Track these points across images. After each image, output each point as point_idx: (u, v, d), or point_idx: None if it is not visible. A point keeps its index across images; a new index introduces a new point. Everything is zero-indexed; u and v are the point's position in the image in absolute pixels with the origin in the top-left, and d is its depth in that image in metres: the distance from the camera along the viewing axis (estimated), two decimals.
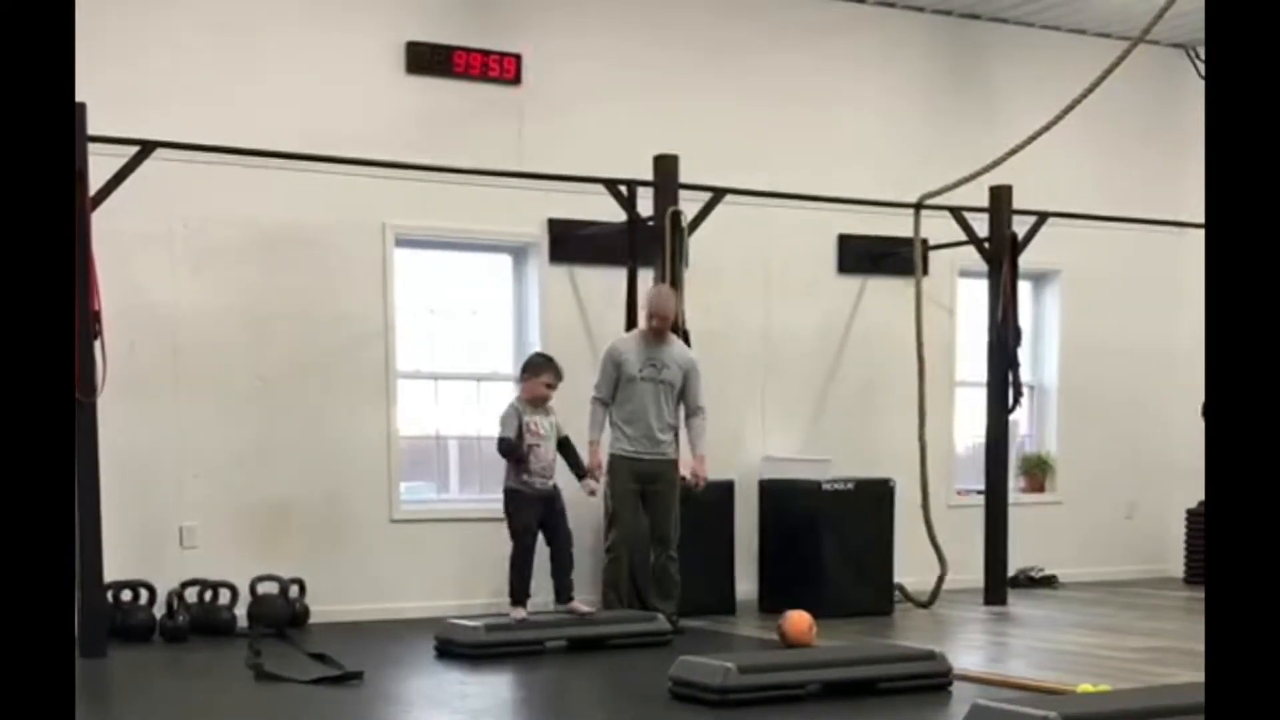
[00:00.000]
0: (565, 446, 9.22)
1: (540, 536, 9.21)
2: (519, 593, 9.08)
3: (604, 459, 9.50)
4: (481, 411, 10.96)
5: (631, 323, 10.27)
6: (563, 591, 9.25)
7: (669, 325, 9.52)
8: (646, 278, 10.28)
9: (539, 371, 9.13)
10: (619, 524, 9.57)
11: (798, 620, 8.80)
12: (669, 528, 9.57)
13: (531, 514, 9.09)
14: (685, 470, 9.61)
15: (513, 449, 8.99)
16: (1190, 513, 12.74)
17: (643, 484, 9.53)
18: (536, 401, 9.09)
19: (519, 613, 9.00)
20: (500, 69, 10.75)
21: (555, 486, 9.18)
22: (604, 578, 9.67)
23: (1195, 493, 12.41)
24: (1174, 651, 8.95)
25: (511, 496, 9.14)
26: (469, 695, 7.45)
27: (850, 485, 10.65)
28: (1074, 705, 6.13)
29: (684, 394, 9.58)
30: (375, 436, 10.36)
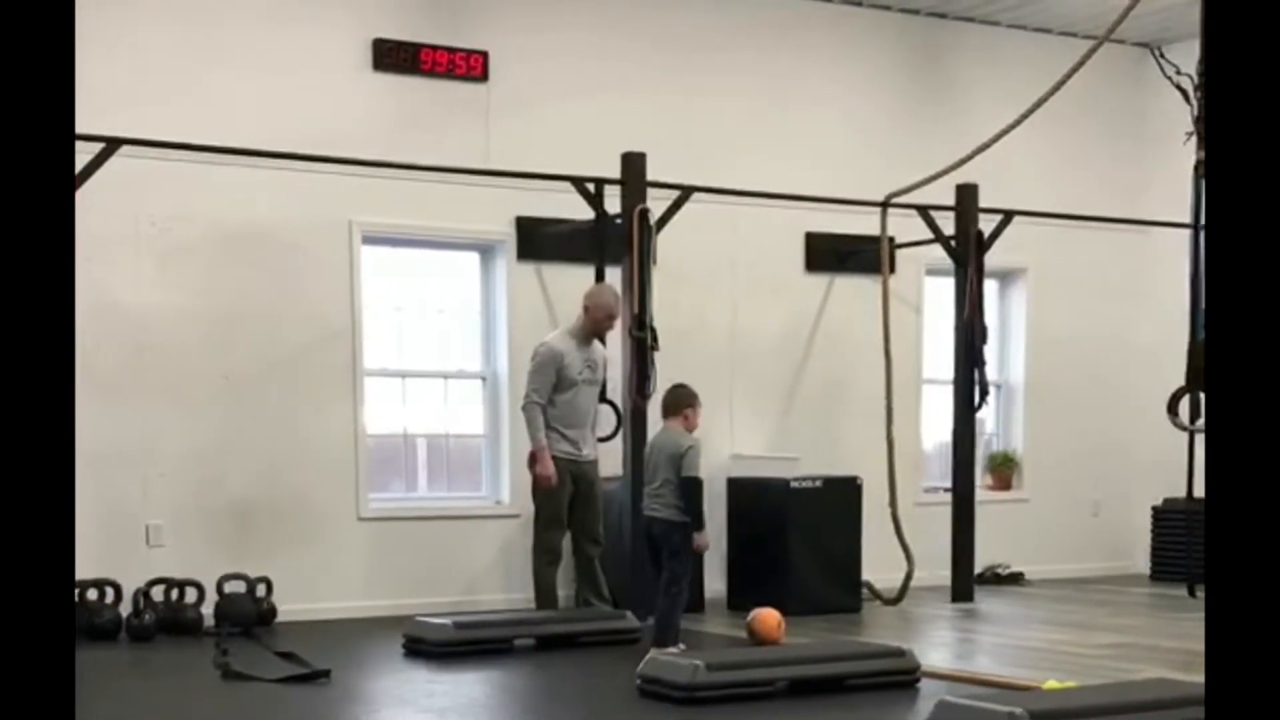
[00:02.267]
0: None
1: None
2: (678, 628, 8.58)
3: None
4: (449, 409, 10.94)
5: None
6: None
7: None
8: (614, 276, 10.27)
9: (692, 402, 8.51)
10: (554, 527, 9.64)
11: (766, 618, 8.80)
12: (599, 525, 9.75)
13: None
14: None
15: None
16: (1155, 509, 12.79)
17: (575, 485, 9.64)
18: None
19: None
20: (467, 66, 10.72)
21: None
22: (543, 579, 9.68)
23: (1161, 489, 12.49)
24: (1139, 648, 9.02)
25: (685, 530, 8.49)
26: (437, 693, 7.43)
27: (818, 483, 10.66)
28: (1041, 701, 6.16)
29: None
30: (342, 435, 10.32)
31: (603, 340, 9.99)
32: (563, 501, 9.63)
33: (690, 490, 8.26)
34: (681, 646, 8.23)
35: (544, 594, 9.68)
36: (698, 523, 8.30)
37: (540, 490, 9.62)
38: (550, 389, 9.54)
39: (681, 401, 8.47)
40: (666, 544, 8.38)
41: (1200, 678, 7.32)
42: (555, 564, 9.70)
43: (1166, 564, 12.54)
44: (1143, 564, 13.00)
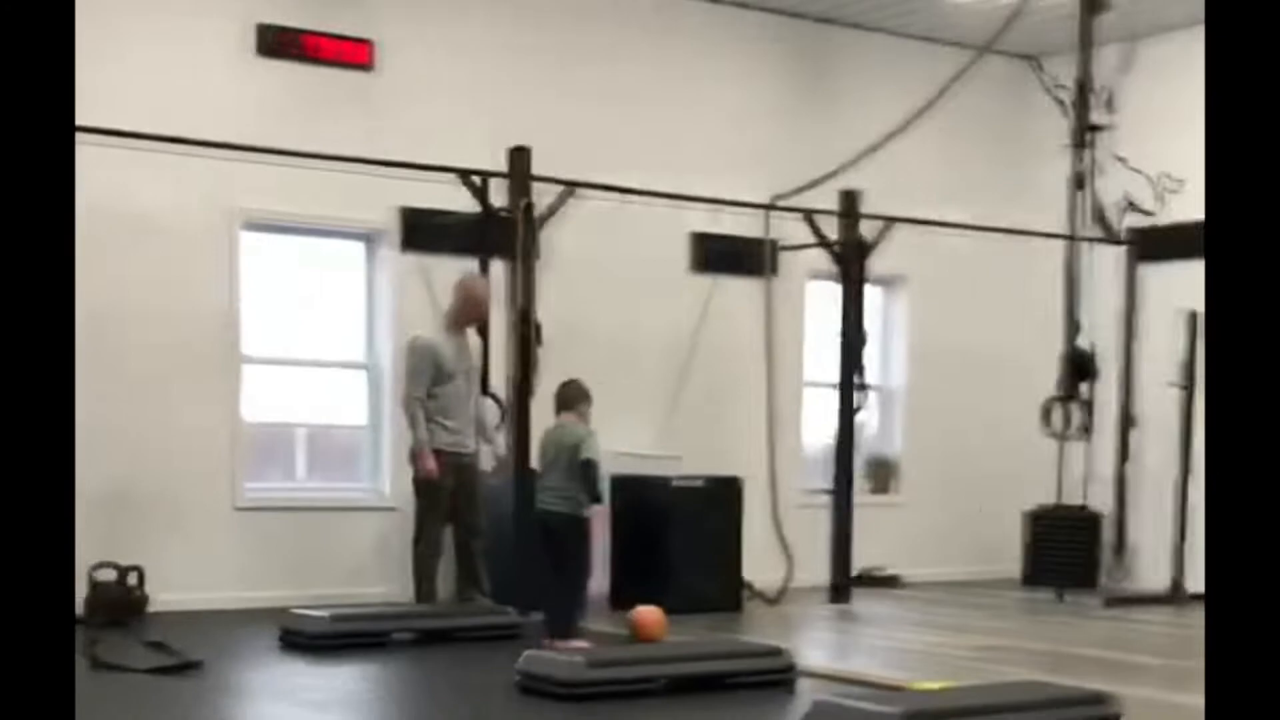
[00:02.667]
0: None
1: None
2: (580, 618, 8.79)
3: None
4: (331, 399, 10.83)
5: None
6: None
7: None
8: (499, 270, 10.22)
9: (587, 397, 8.82)
10: (435, 520, 9.59)
11: (648, 615, 8.79)
12: (480, 517, 9.75)
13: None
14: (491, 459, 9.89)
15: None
16: (1028, 514, 12.96)
17: (457, 478, 9.61)
18: None
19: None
20: (353, 54, 10.64)
21: None
22: (423, 572, 9.63)
23: (1034, 495, 12.65)
24: (1012, 649, 9.14)
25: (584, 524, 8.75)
26: (312, 687, 7.35)
27: (700, 482, 10.68)
28: (914, 701, 6.23)
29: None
30: (220, 423, 10.18)
31: (483, 331, 9.96)
32: (444, 495, 9.57)
33: (590, 472, 8.51)
34: (584, 644, 8.25)
35: (424, 588, 9.61)
36: (594, 499, 8.60)
37: (422, 484, 9.54)
38: (428, 383, 9.48)
39: (577, 396, 8.72)
40: (563, 538, 8.52)
41: (1067, 679, 7.51)
42: (436, 557, 9.64)
43: (1037, 568, 12.71)
44: (1015, 568, 13.16)
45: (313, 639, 8.36)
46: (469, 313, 9.74)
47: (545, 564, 8.72)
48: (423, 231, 10.78)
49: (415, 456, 9.55)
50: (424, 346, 9.56)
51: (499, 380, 10.28)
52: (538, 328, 9.97)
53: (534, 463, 8.86)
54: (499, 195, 10.19)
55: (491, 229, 10.29)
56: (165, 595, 9.72)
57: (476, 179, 10.19)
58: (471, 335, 9.88)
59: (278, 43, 10.37)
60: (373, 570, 10.67)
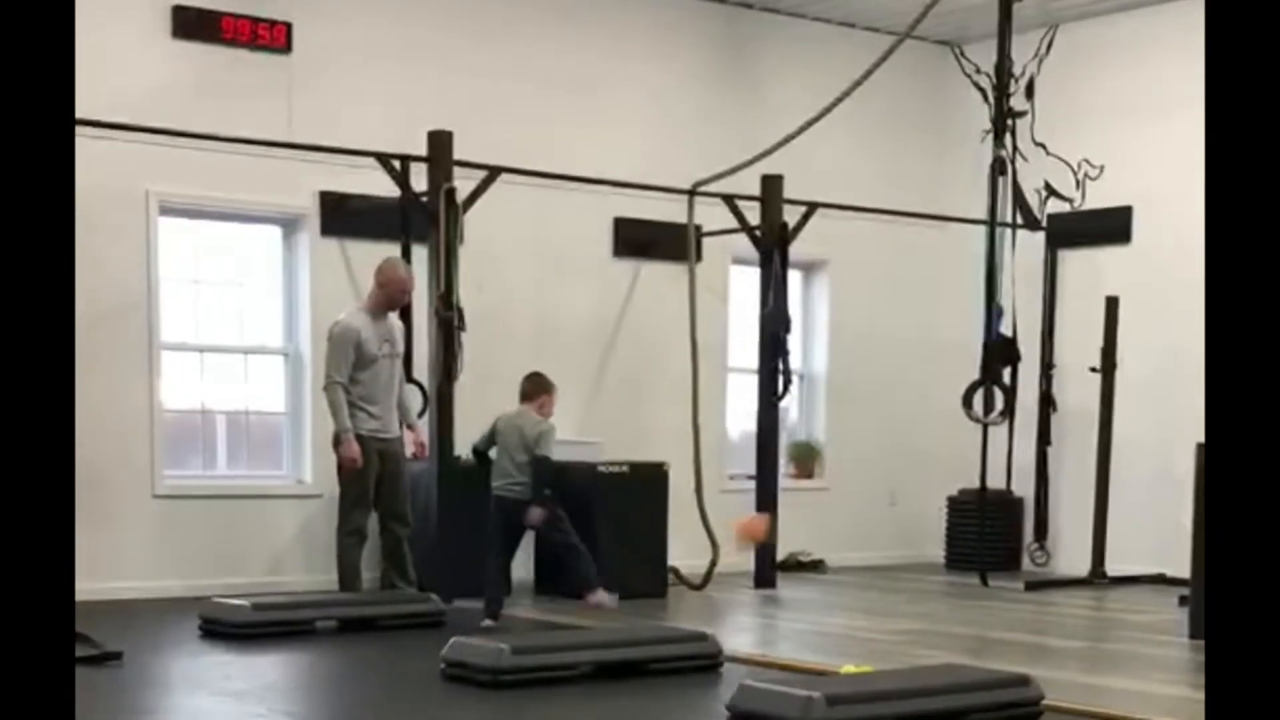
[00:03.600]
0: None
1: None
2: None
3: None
4: (250, 385, 10.71)
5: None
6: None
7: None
8: (420, 254, 10.15)
9: (549, 389, 8.94)
10: (359, 507, 9.51)
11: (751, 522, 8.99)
12: (406, 504, 9.67)
13: None
14: (410, 444, 9.80)
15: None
16: (950, 499, 13.05)
17: (381, 464, 9.52)
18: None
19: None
20: (270, 36, 10.52)
21: None
22: (347, 560, 9.56)
23: (955, 480, 12.74)
24: (934, 634, 9.18)
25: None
26: (233, 676, 7.26)
27: (624, 468, 10.64)
28: (838, 685, 6.24)
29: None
30: (137, 410, 10.03)
31: (405, 316, 9.89)
32: (369, 481, 9.50)
33: (544, 468, 8.60)
34: (612, 596, 8.83)
35: (348, 575, 9.53)
36: (539, 495, 8.64)
37: (345, 470, 9.46)
38: (349, 367, 9.38)
39: (540, 388, 8.87)
40: (524, 523, 8.78)
41: (989, 662, 7.55)
42: (360, 544, 9.57)
43: (960, 552, 12.80)
44: (938, 553, 13.26)
45: (234, 628, 8.28)
46: (390, 296, 9.63)
47: (495, 546, 8.87)
48: (342, 216, 10.70)
49: (338, 443, 9.45)
50: (344, 330, 9.46)
51: (421, 366, 10.20)
52: (460, 313, 9.91)
53: (550, 453, 8.77)
54: (420, 180, 10.11)
55: (412, 213, 10.21)
56: (83, 585, 9.44)
57: (396, 163, 10.11)
58: (395, 319, 9.78)
59: (193, 25, 10.23)
60: (295, 558, 10.58)
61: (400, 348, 9.70)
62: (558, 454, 8.88)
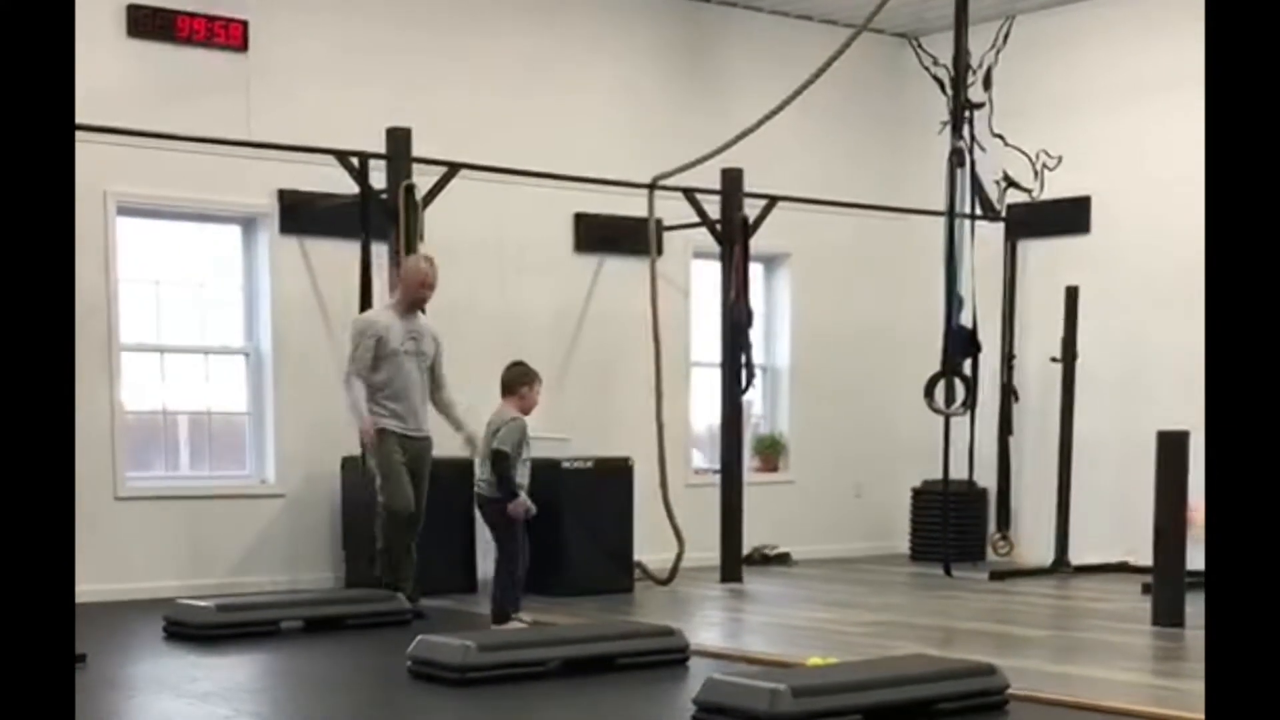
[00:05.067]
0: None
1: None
2: (513, 606, 8.57)
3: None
4: (211, 386, 10.65)
5: (366, 295, 10.05)
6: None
7: (432, 296, 9.25)
8: (380, 251, 10.12)
9: (530, 381, 8.59)
10: (398, 482, 9.04)
11: None
12: (422, 510, 9.27)
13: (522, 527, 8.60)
14: (464, 449, 9.30)
15: (509, 466, 8.41)
16: (915, 491, 13.09)
17: (408, 461, 9.15)
18: (527, 413, 8.58)
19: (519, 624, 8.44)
20: (226, 35, 10.47)
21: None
22: (397, 548, 9.16)
23: (920, 472, 12.78)
24: (898, 625, 9.22)
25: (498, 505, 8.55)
26: (199, 678, 7.23)
27: (589, 464, 10.62)
28: (803, 677, 6.26)
29: (432, 367, 9.31)
30: (98, 411, 9.94)
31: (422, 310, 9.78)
32: (400, 469, 9.07)
33: (495, 462, 8.37)
34: (524, 620, 8.31)
35: (395, 565, 9.14)
36: (505, 492, 8.40)
37: (372, 452, 9.13)
38: (368, 361, 9.05)
39: (516, 380, 8.59)
40: (487, 520, 8.63)
41: (955, 652, 7.58)
42: (411, 527, 9.13)
43: (924, 544, 12.84)
44: (903, 544, 13.29)
45: (199, 629, 8.25)
46: (411, 292, 9.23)
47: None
48: (302, 214, 10.66)
49: (361, 433, 9.17)
50: (364, 323, 9.21)
51: None
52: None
53: (503, 446, 8.62)
54: (379, 177, 10.08)
55: (372, 211, 10.16)
56: None
57: (355, 160, 10.06)
58: (426, 320, 9.37)
59: (148, 24, 10.18)
60: (259, 559, 10.54)
61: (428, 347, 9.26)
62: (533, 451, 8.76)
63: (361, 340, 9.11)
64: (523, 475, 8.54)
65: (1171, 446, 8.75)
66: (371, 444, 9.14)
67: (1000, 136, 11.97)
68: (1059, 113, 12.56)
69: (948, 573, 11.78)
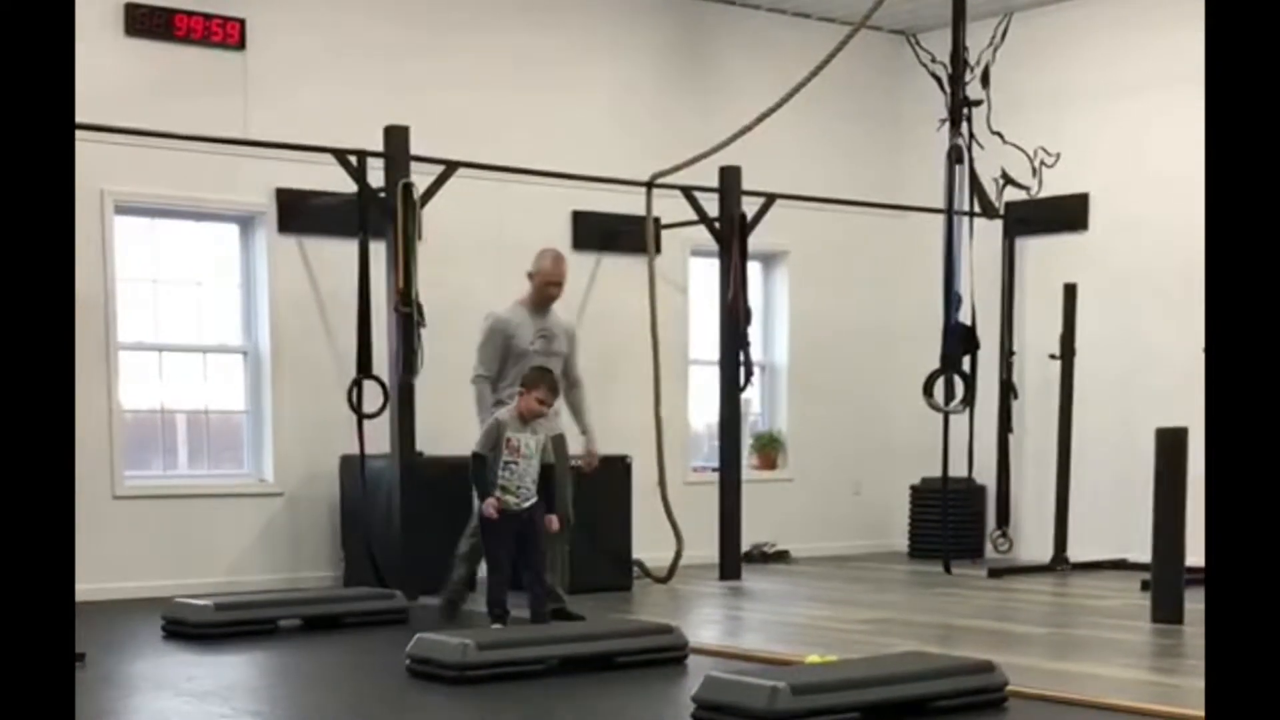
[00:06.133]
0: (548, 474, 8.34)
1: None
2: (494, 608, 8.32)
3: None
4: (209, 384, 10.65)
5: (364, 294, 10.03)
6: (535, 617, 8.41)
7: (561, 293, 8.98)
8: (378, 250, 10.11)
9: (534, 385, 8.29)
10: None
11: None
12: (568, 508, 8.96)
13: (506, 530, 8.31)
14: (578, 450, 9.08)
15: (480, 466, 8.21)
16: (913, 488, 13.08)
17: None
18: (526, 418, 8.35)
19: (497, 627, 8.18)
20: (223, 33, 10.47)
21: (532, 507, 8.31)
22: (465, 564, 9.05)
23: (918, 470, 12.78)
24: (897, 622, 9.21)
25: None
26: (197, 676, 7.21)
27: (581, 462, 10.58)
28: (802, 675, 6.23)
29: (566, 365, 9.03)
30: (96, 410, 9.95)
31: (364, 313, 9.74)
32: None
33: (470, 462, 8.25)
34: (497, 627, 8.13)
35: (449, 599, 9.00)
36: (478, 492, 8.25)
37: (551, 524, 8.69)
38: (498, 360, 8.86)
39: (524, 382, 8.34)
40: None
41: (954, 649, 7.57)
42: (474, 558, 8.90)
43: (923, 541, 12.84)
44: (901, 542, 13.29)
45: (197, 628, 8.24)
46: (539, 288, 9.00)
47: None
48: (300, 213, 10.67)
49: None
50: (494, 321, 8.97)
51: (381, 362, 10.15)
52: (419, 308, 9.86)
53: (475, 446, 8.54)
54: (377, 175, 10.07)
55: (370, 209, 10.16)
56: None
57: (353, 159, 10.05)
58: (559, 316, 9.14)
59: (146, 22, 10.18)
60: (257, 558, 10.54)
61: (560, 345, 9.01)
62: None
63: (490, 339, 8.87)
64: (518, 478, 8.42)
65: (1171, 443, 8.75)
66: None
67: (998, 134, 11.93)
68: (1057, 110, 12.55)
69: (947, 570, 11.78)
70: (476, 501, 8.29)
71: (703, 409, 12.58)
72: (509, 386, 8.70)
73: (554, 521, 8.34)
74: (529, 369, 8.46)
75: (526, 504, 8.24)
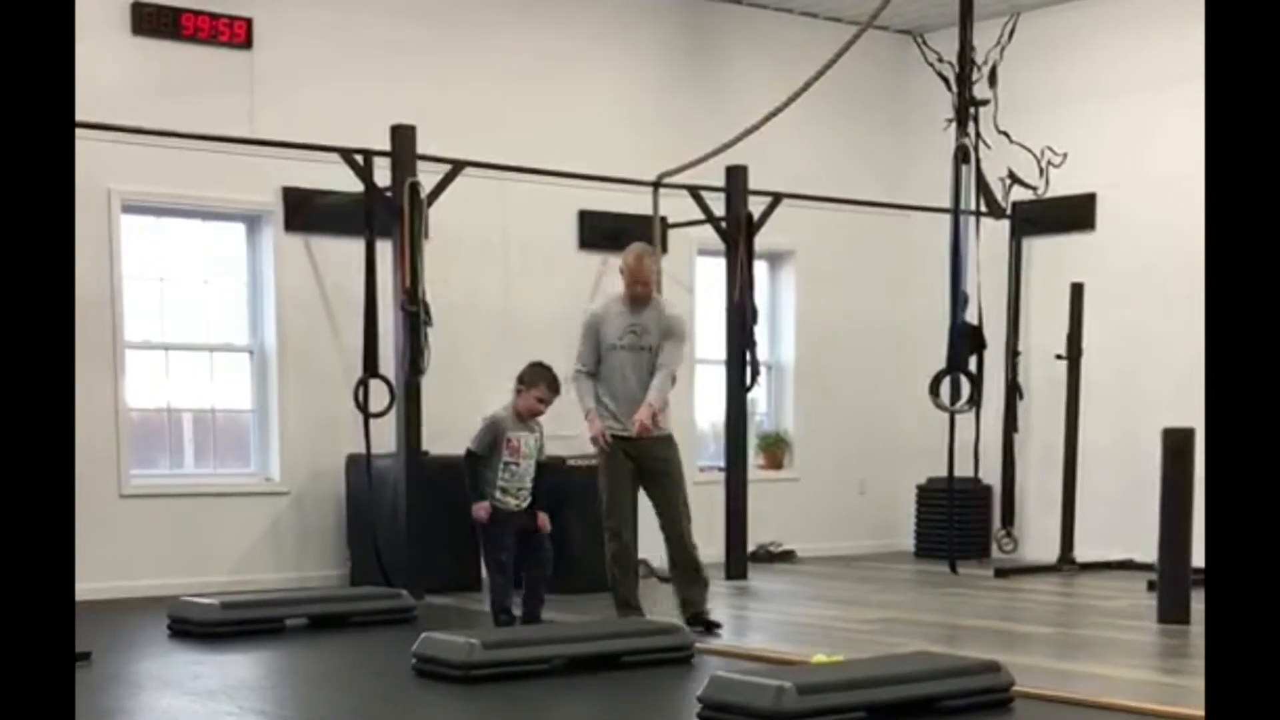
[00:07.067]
0: (542, 470, 8.41)
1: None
2: (499, 613, 8.43)
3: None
4: (215, 383, 10.66)
5: (370, 293, 10.07)
6: (531, 617, 8.47)
7: (649, 291, 8.75)
8: (385, 249, 10.12)
9: (533, 383, 8.33)
10: (617, 506, 8.72)
11: None
12: (679, 510, 8.77)
13: (507, 531, 8.39)
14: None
15: (474, 465, 8.25)
16: (919, 488, 13.07)
17: (637, 462, 8.71)
18: (524, 416, 8.40)
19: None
20: (230, 33, 10.48)
21: (531, 507, 8.41)
22: (612, 565, 8.87)
23: (924, 469, 12.76)
24: (903, 622, 9.20)
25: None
26: (202, 675, 7.22)
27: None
28: (808, 675, 6.24)
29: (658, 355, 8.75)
30: (102, 409, 9.97)
31: (371, 312, 9.71)
32: (618, 479, 8.69)
33: (463, 462, 8.27)
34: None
35: (619, 601, 8.78)
36: (469, 493, 8.29)
37: (599, 467, 8.76)
38: (593, 355, 8.69)
39: (523, 379, 8.40)
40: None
41: (960, 649, 7.56)
42: (620, 548, 8.73)
43: (929, 541, 12.83)
44: (907, 542, 13.28)
45: (203, 627, 8.25)
46: (627, 285, 8.77)
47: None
48: (306, 212, 10.67)
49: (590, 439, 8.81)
50: (588, 317, 8.87)
51: (388, 360, 10.16)
52: (426, 307, 9.87)
53: (470, 444, 8.57)
54: (384, 174, 10.08)
55: (376, 208, 10.17)
56: None
57: (359, 158, 10.06)
58: (657, 311, 8.80)
59: (153, 21, 10.19)
60: (264, 556, 10.55)
61: (651, 340, 8.64)
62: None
63: (585, 335, 8.77)
64: (518, 479, 8.43)
65: (1177, 443, 8.74)
66: (597, 449, 8.74)
67: (1005, 133, 11.96)
68: (1064, 109, 12.54)
69: (953, 570, 11.77)
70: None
71: (708, 408, 12.57)
72: (600, 382, 8.67)
73: (546, 521, 8.42)
74: (528, 366, 8.51)
75: (526, 504, 8.35)
